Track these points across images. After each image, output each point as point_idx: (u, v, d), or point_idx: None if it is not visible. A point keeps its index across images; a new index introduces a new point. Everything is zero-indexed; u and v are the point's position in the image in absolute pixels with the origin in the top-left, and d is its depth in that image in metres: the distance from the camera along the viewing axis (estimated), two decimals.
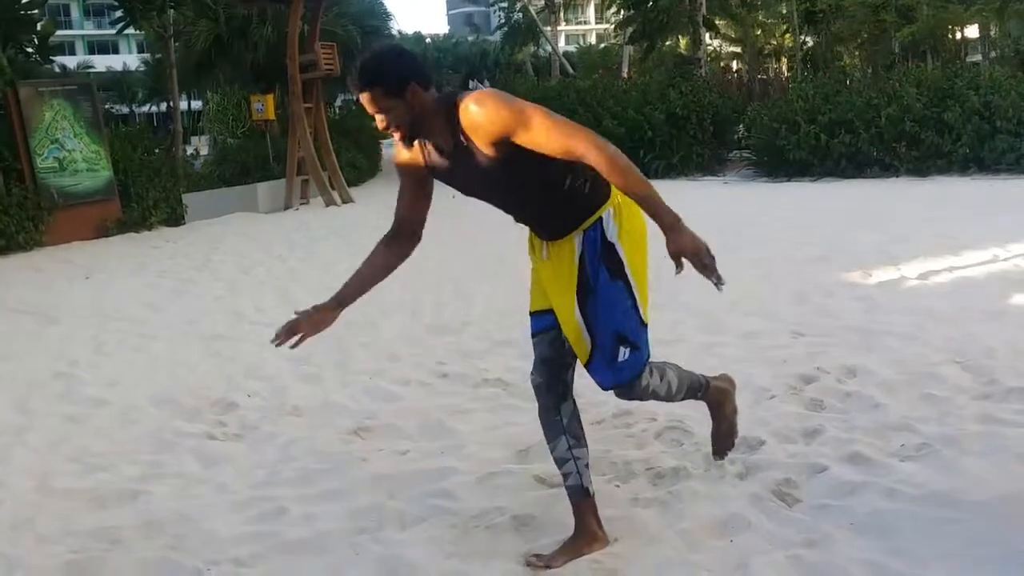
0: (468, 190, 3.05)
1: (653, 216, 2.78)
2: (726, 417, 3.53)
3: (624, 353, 2.99)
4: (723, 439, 3.57)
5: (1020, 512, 3.14)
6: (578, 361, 3.12)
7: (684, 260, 2.75)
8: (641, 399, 3.19)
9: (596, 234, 2.97)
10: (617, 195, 3.00)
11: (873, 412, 4.33)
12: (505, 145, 2.77)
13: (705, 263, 2.74)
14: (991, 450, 3.72)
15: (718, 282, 2.76)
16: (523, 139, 2.75)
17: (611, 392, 3.14)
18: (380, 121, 2.84)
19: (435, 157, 2.97)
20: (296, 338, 3.17)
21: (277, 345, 3.15)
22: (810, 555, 3.03)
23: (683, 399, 3.34)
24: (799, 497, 3.51)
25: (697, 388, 3.34)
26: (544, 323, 3.17)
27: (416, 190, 3.12)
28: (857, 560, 2.96)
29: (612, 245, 2.98)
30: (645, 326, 3.04)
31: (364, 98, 2.80)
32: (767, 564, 2.99)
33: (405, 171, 3.11)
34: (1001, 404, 4.29)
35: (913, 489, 3.42)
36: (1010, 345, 5.14)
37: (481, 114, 2.75)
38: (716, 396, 3.45)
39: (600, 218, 2.98)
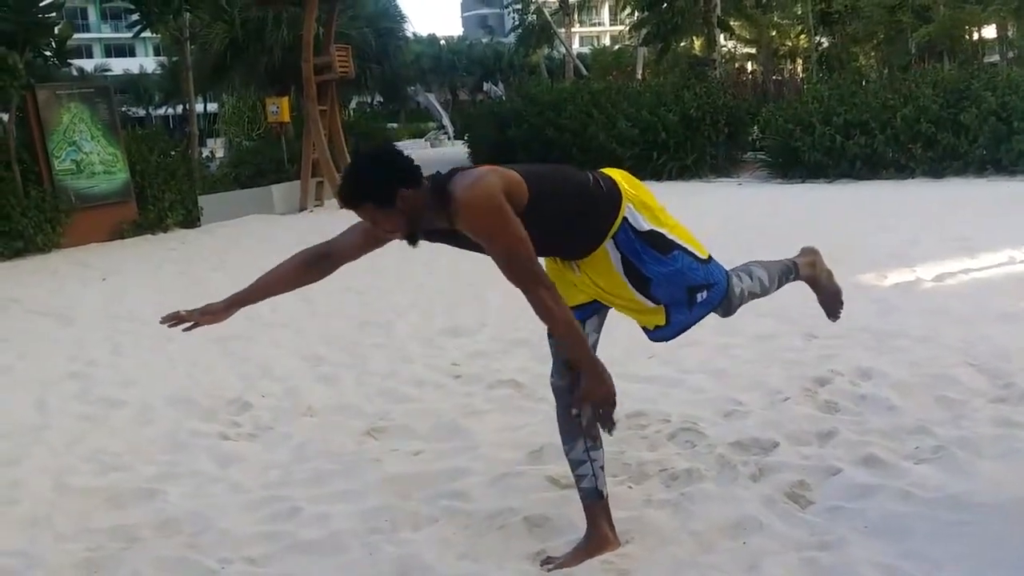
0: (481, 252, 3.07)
1: (578, 363, 2.98)
2: (823, 285, 3.74)
3: (702, 295, 3.12)
4: (830, 303, 3.84)
5: None
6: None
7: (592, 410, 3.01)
8: (742, 304, 3.31)
9: (627, 234, 2.99)
10: (627, 189, 3.04)
11: (887, 414, 4.32)
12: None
13: (602, 412, 2.97)
14: (1006, 453, 3.71)
15: (610, 429, 3.03)
16: (486, 248, 2.85)
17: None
18: (377, 229, 2.91)
19: (432, 231, 2.97)
20: (187, 324, 3.21)
21: (164, 324, 3.18)
22: (823, 557, 3.03)
23: (780, 287, 3.49)
24: (812, 499, 3.51)
25: (788, 272, 3.52)
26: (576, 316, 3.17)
27: (373, 237, 3.07)
28: (870, 563, 2.96)
29: (650, 232, 3.02)
30: (709, 259, 3.15)
31: (358, 213, 2.86)
32: (779, 566, 2.99)
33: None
34: (1017, 407, 4.28)
35: (927, 492, 3.41)
36: None
37: (464, 218, 2.79)
38: (807, 271, 3.62)
39: (624, 218, 2.99)
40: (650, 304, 3.09)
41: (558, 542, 3.30)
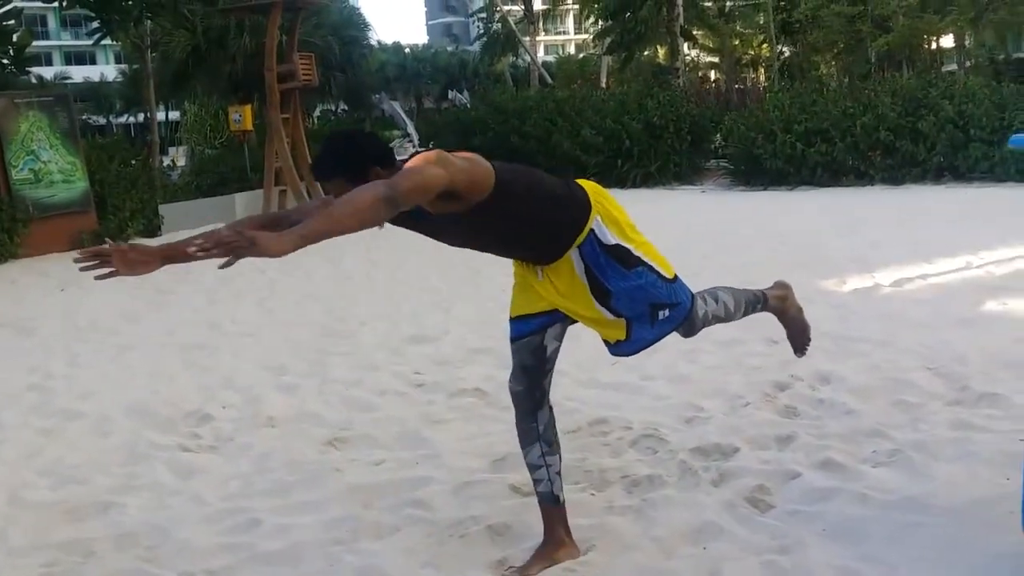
0: (446, 241, 3.07)
1: (299, 228, 2.44)
2: (792, 318, 3.72)
3: (664, 313, 3.10)
4: (797, 338, 3.81)
5: (989, 517, 3.17)
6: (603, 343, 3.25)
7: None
8: (704, 326, 3.29)
9: (593, 246, 2.98)
10: (598, 202, 3.03)
11: (846, 418, 4.36)
12: (441, 203, 2.73)
13: (218, 243, 2.35)
14: (962, 455, 3.75)
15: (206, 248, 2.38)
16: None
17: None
18: None
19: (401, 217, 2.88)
20: (105, 270, 2.72)
21: (78, 264, 2.77)
22: (782, 561, 3.05)
23: (744, 315, 3.47)
24: (772, 503, 3.53)
25: (756, 302, 3.49)
26: (526, 327, 3.17)
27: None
28: (828, 565, 2.98)
29: (615, 246, 3.01)
30: (675, 279, 3.13)
31: (329, 187, 2.81)
32: (740, 570, 3.01)
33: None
34: (973, 410, 4.33)
35: (884, 495, 3.45)
36: (982, 351, 5.19)
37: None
38: (777, 304, 3.61)
39: (591, 229, 2.98)
40: (611, 317, 3.07)
41: (520, 549, 3.30)
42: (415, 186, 2.58)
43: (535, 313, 3.14)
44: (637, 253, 3.04)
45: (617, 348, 3.20)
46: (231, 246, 2.32)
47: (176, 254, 2.78)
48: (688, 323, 3.18)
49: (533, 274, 3.10)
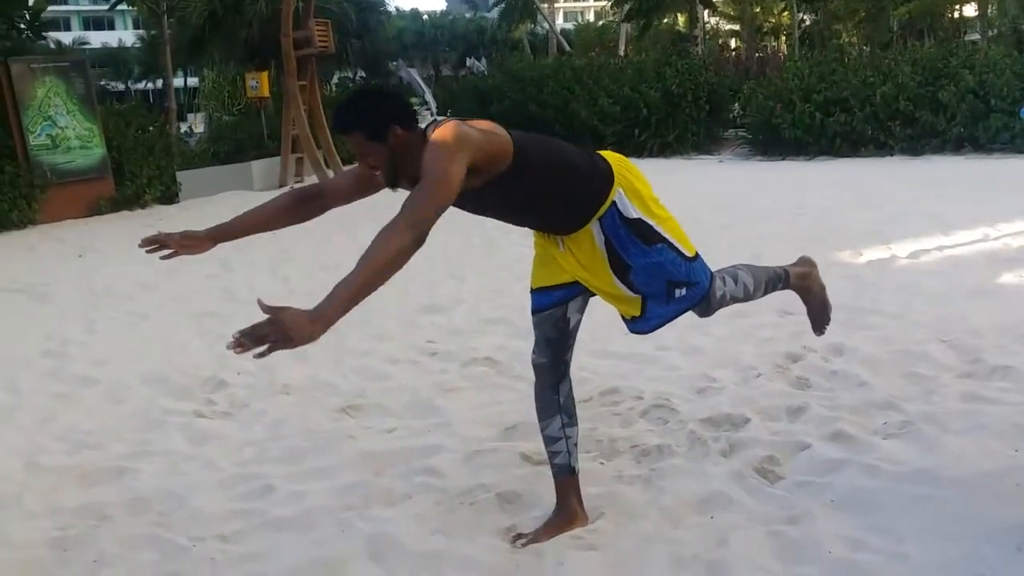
0: (465, 209, 3.01)
1: (335, 292, 2.44)
2: (814, 296, 3.65)
3: (681, 291, 3.06)
4: (818, 316, 3.74)
5: (998, 489, 3.17)
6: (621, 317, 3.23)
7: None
8: (722, 306, 3.25)
9: (614, 219, 2.96)
10: (621, 174, 3.00)
11: (858, 390, 4.35)
12: (473, 169, 2.70)
13: (263, 334, 2.32)
14: (972, 428, 3.75)
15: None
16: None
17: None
18: (362, 162, 2.84)
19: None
20: (166, 251, 3.03)
21: (144, 248, 3.02)
22: (790, 531, 3.06)
23: (766, 294, 3.42)
24: (781, 474, 3.54)
25: (777, 280, 3.42)
26: (547, 300, 3.16)
27: (366, 182, 3.03)
28: (836, 536, 2.99)
29: (637, 220, 2.98)
30: (695, 257, 3.11)
31: (348, 140, 2.80)
32: (747, 540, 3.02)
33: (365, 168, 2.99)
34: (985, 382, 4.32)
35: (894, 466, 3.45)
36: (996, 324, 5.17)
37: (428, 151, 2.68)
38: (799, 282, 3.54)
39: (613, 202, 2.96)
40: (628, 292, 3.05)
41: (529, 517, 3.32)
42: (439, 207, 2.60)
43: (557, 285, 3.13)
44: (659, 229, 3.01)
45: (634, 324, 3.18)
46: (269, 342, 2.33)
47: (222, 235, 3.11)
48: (704, 303, 3.15)
49: (554, 245, 3.10)
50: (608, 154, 3.09)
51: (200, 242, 3.06)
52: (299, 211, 3.14)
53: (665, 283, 3.04)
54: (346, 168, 3.09)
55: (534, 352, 3.26)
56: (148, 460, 4.16)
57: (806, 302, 3.69)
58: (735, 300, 3.28)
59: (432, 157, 2.64)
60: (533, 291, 3.22)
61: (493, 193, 2.84)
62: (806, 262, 3.65)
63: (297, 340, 2.33)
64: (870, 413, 4.03)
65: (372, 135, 2.75)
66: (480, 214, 3.09)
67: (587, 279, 3.08)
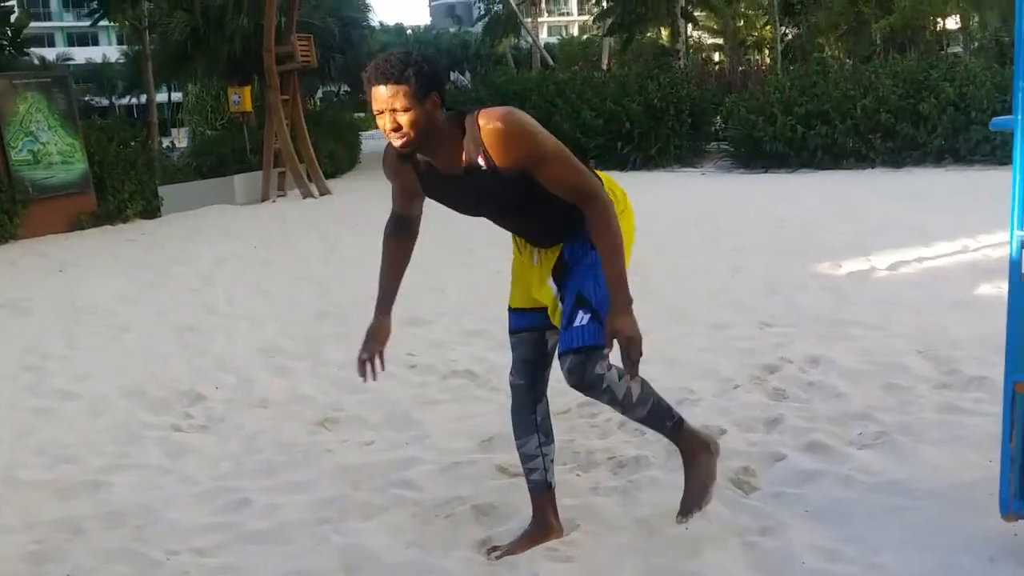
0: (464, 208, 2.99)
1: (612, 287, 2.75)
2: (699, 474, 3.11)
3: (582, 318, 2.81)
4: (693, 494, 3.10)
5: (973, 500, 3.17)
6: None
7: (614, 343, 2.73)
8: (594, 390, 2.85)
9: (585, 235, 2.87)
10: (622, 202, 2.98)
11: (834, 401, 4.37)
12: (519, 170, 2.73)
13: (632, 356, 2.72)
14: (948, 439, 3.77)
15: (632, 376, 2.78)
16: (535, 173, 2.74)
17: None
18: (390, 121, 2.68)
19: (431, 176, 2.88)
20: (377, 362, 3.33)
21: (366, 377, 3.30)
22: (764, 542, 3.06)
23: (646, 419, 3.03)
24: (757, 485, 3.54)
25: (666, 416, 3.05)
26: (525, 322, 3.11)
27: (409, 191, 3.05)
28: (810, 546, 3.00)
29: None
30: None
31: (386, 91, 2.65)
32: (720, 550, 3.02)
33: (396, 178, 3.02)
34: (961, 393, 4.35)
35: (868, 477, 3.46)
36: (974, 335, 5.19)
37: (507, 137, 2.68)
38: (692, 443, 3.12)
39: None
40: (555, 293, 2.95)
41: (504, 529, 3.32)
42: (583, 170, 2.80)
43: (535, 308, 3.07)
44: None
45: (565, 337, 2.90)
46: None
47: (388, 308, 3.53)
48: (590, 357, 2.79)
49: (530, 258, 3.06)
50: (600, 173, 2.98)
51: (383, 328, 3.44)
52: (404, 244, 3.32)
53: (577, 292, 2.86)
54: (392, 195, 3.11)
55: (511, 372, 3.22)
56: (125, 474, 4.15)
57: (688, 469, 3.14)
58: (610, 397, 2.88)
59: (535, 142, 2.72)
60: (511, 310, 3.18)
61: (511, 184, 2.76)
62: (713, 441, 3.23)
63: (637, 344, 2.73)
64: (846, 424, 4.05)
65: (416, 93, 2.65)
66: (472, 210, 2.99)
67: (538, 288, 3.03)
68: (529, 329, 3.11)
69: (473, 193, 2.84)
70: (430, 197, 3.02)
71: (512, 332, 3.18)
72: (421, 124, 2.67)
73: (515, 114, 2.73)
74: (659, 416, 3.05)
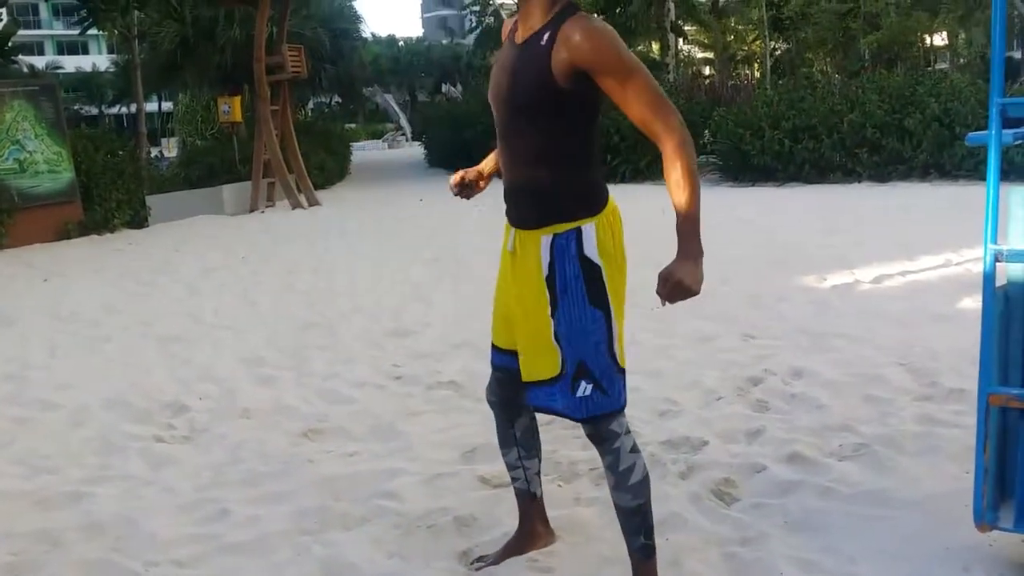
0: (494, 91, 2.77)
1: (683, 235, 2.52)
2: None
3: (584, 388, 2.64)
4: None
5: (949, 510, 3.19)
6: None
7: (667, 291, 2.48)
8: (601, 445, 2.72)
9: (569, 244, 2.62)
10: (608, 213, 2.69)
11: (816, 413, 4.39)
12: (575, 75, 2.51)
13: (671, 298, 2.49)
14: (926, 450, 3.79)
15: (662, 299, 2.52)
16: (611, 85, 2.51)
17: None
18: None
19: (508, 42, 2.76)
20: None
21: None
22: (743, 553, 3.07)
23: (627, 512, 2.77)
24: (737, 496, 3.56)
25: (647, 532, 2.79)
26: (504, 363, 2.95)
27: None
28: (788, 557, 3.01)
29: (592, 263, 2.62)
30: (622, 372, 2.69)
31: None
32: (700, 561, 3.03)
33: (502, 41, 2.92)
34: (941, 405, 4.37)
35: (847, 488, 3.48)
36: (955, 348, 5.22)
37: (587, 30, 2.48)
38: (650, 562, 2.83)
39: (579, 228, 2.62)
40: (552, 334, 2.66)
41: (486, 540, 3.32)
42: (661, 92, 2.56)
43: (514, 351, 2.86)
44: (608, 297, 2.64)
45: (532, 393, 2.76)
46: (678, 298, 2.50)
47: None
48: (600, 423, 2.68)
49: (507, 240, 2.84)
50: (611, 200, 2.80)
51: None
52: None
53: (577, 363, 2.63)
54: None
55: (487, 390, 3.16)
56: (106, 485, 4.13)
57: None
58: (614, 459, 2.71)
59: (622, 53, 2.51)
60: (492, 345, 3.03)
61: (545, 77, 2.54)
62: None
63: (697, 288, 2.49)
64: (826, 435, 4.07)
65: None
66: (497, 97, 2.75)
67: (519, 309, 2.77)
68: (506, 370, 2.97)
69: (510, 67, 2.67)
70: (494, 69, 2.83)
71: (492, 365, 3.08)
72: None
73: (608, 28, 2.53)
74: (640, 522, 2.77)
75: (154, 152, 30.57)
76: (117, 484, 4.14)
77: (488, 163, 3.23)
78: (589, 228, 2.62)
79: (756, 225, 11.32)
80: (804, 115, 16.60)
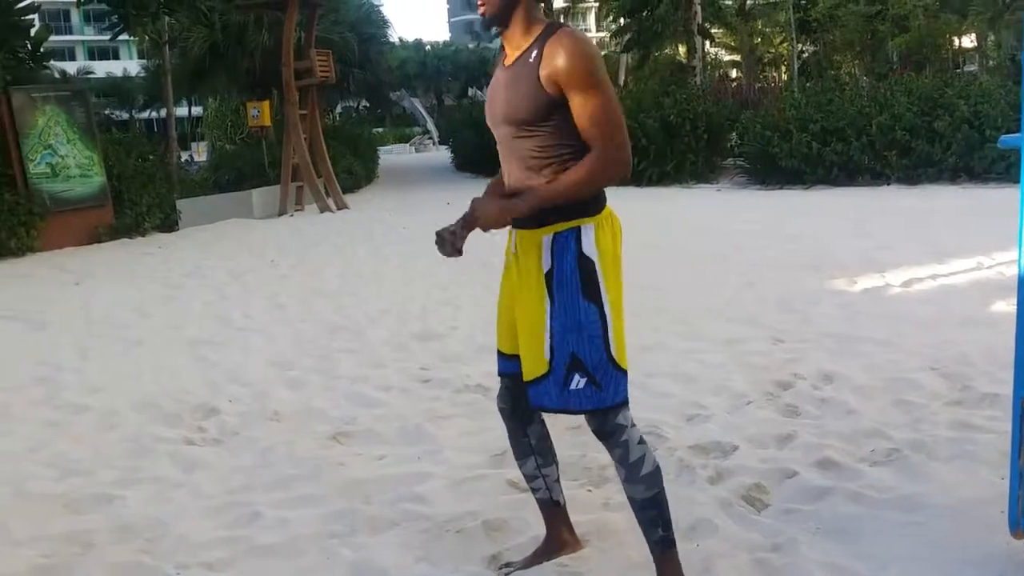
0: (491, 109, 2.87)
1: (522, 195, 2.69)
2: None
3: (578, 382, 2.69)
4: None
5: (983, 516, 3.16)
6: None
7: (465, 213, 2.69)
8: (607, 439, 2.75)
9: (569, 242, 2.70)
10: (607, 216, 2.77)
11: (847, 418, 4.36)
12: (556, 83, 2.64)
13: (469, 224, 2.69)
14: (959, 455, 3.75)
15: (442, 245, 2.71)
16: (575, 99, 2.64)
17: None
18: None
19: (496, 66, 2.89)
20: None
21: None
22: (774, 559, 3.05)
23: (641, 504, 2.77)
24: (768, 502, 3.53)
25: (663, 524, 2.79)
26: (510, 368, 2.99)
27: None
28: (820, 563, 2.98)
29: (588, 259, 2.70)
30: (622, 371, 2.72)
31: None
32: (731, 567, 3.01)
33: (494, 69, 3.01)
34: (973, 410, 4.33)
35: (879, 494, 3.45)
36: (987, 351, 5.17)
37: (568, 46, 2.62)
38: (675, 568, 2.83)
39: (578, 228, 2.71)
40: (546, 344, 2.73)
41: (514, 544, 3.31)
42: (621, 123, 2.72)
43: (518, 355, 2.89)
44: (604, 297, 2.70)
45: (533, 390, 2.79)
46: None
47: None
48: (602, 416, 2.72)
49: (510, 243, 2.91)
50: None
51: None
52: None
53: (570, 355, 2.69)
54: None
55: (498, 397, 3.16)
56: (136, 487, 4.15)
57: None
58: (623, 453, 2.73)
59: (598, 68, 2.65)
60: (498, 351, 3.06)
61: (534, 88, 2.67)
62: None
63: (482, 223, 2.67)
64: (858, 440, 4.03)
65: None
66: (494, 114, 2.85)
67: (520, 308, 2.83)
68: (512, 376, 2.99)
69: (502, 90, 2.79)
70: (488, 93, 2.95)
71: (498, 373, 3.10)
72: None
73: (590, 41, 2.70)
74: (656, 514, 2.77)
75: (184, 156, 30.80)
76: (148, 486, 4.16)
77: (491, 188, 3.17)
78: (588, 227, 2.72)
79: (784, 228, 11.26)
80: (832, 117, 16.52)
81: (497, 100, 2.82)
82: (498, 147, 2.90)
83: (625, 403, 2.74)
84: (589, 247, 2.71)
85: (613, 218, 2.81)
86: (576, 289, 2.69)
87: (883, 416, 4.33)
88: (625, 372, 2.74)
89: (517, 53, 2.76)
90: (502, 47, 2.88)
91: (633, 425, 2.77)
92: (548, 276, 2.73)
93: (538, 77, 2.65)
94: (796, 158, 16.39)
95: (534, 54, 2.68)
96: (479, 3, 2.76)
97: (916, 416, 4.30)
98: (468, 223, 2.69)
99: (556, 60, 2.62)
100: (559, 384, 2.71)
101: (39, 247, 12.68)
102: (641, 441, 2.78)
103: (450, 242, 2.69)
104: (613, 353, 2.70)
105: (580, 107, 2.65)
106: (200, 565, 3.36)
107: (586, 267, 2.70)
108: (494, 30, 2.86)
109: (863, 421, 4.28)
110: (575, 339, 2.69)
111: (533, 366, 2.78)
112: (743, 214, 13.21)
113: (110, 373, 6.19)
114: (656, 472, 2.78)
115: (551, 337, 2.72)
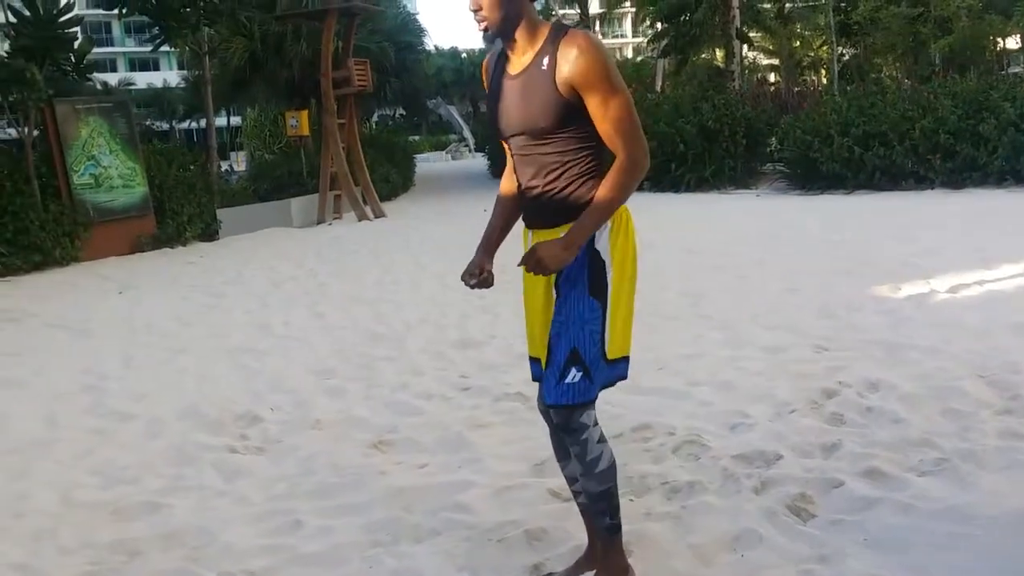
0: (502, 117, 2.87)
1: (575, 227, 2.70)
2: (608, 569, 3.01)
3: (574, 375, 2.74)
4: None
5: None
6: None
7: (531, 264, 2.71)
8: (571, 435, 2.82)
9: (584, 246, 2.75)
10: (621, 215, 2.82)
11: (893, 427, 4.29)
12: (572, 88, 2.67)
13: (529, 265, 2.72)
14: (1009, 465, 3.69)
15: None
16: (593, 101, 2.67)
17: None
18: (473, 2, 2.74)
19: (498, 72, 2.89)
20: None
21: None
22: (821, 570, 3.01)
23: (593, 496, 2.92)
24: (814, 512, 3.49)
25: (612, 512, 2.94)
26: (540, 372, 2.99)
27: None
28: (868, 575, 2.94)
29: (599, 256, 2.77)
30: (609, 363, 2.82)
31: None
32: None
33: (485, 78, 3.02)
34: (1023, 419, 4.24)
35: (928, 504, 3.39)
36: None
37: (583, 50, 2.64)
38: (613, 560, 3.00)
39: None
40: (551, 331, 2.81)
41: (556, 554, 3.30)
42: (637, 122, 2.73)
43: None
44: (608, 294, 2.78)
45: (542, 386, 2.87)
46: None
47: (492, 248, 3.20)
48: (571, 411, 2.78)
49: (525, 244, 2.97)
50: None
51: (482, 268, 3.12)
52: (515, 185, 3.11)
53: (569, 350, 2.75)
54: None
55: (538, 399, 3.11)
56: (181, 495, 4.19)
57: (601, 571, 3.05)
58: (580, 448, 2.83)
59: (610, 71, 2.66)
60: (530, 356, 3.12)
61: (551, 97, 2.70)
62: (629, 570, 3.04)
63: (553, 265, 2.67)
64: (905, 450, 3.97)
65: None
66: (506, 121, 2.85)
67: (530, 303, 3.02)
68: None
69: (514, 97, 2.80)
70: (487, 101, 2.96)
71: (532, 378, 3.14)
72: (502, 9, 2.72)
73: (599, 45, 2.70)
74: (606, 505, 2.91)
75: (224, 166, 31.09)
76: (192, 494, 4.20)
77: (490, 241, 3.20)
78: (604, 227, 2.78)
79: (825, 234, 11.13)
80: (874, 121, 16.32)
81: (510, 110, 2.83)
82: (511, 154, 2.95)
83: (594, 401, 2.82)
84: (603, 244, 2.79)
85: (628, 220, 2.87)
86: (584, 284, 2.77)
87: (931, 425, 4.27)
88: (611, 365, 2.83)
89: (525, 60, 2.78)
90: (500, 54, 2.90)
91: (595, 424, 2.85)
92: (559, 273, 2.79)
93: (554, 83, 2.68)
94: (837, 162, 16.21)
95: (546, 60, 2.71)
96: (479, 20, 2.76)
97: (964, 425, 4.23)
98: (533, 269, 2.71)
99: (572, 63, 2.65)
100: (555, 376, 2.77)
101: (83, 257, 12.86)
102: (601, 439, 2.87)
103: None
104: (606, 348, 2.80)
105: (600, 110, 2.69)
106: (244, 573, 3.38)
107: (596, 263, 2.78)
108: (497, 40, 2.87)
109: (910, 430, 4.21)
110: (577, 333, 2.76)
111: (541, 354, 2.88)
112: (783, 219, 13.09)
113: (154, 381, 6.25)
114: (610, 469, 2.88)
115: (556, 330, 2.79)
